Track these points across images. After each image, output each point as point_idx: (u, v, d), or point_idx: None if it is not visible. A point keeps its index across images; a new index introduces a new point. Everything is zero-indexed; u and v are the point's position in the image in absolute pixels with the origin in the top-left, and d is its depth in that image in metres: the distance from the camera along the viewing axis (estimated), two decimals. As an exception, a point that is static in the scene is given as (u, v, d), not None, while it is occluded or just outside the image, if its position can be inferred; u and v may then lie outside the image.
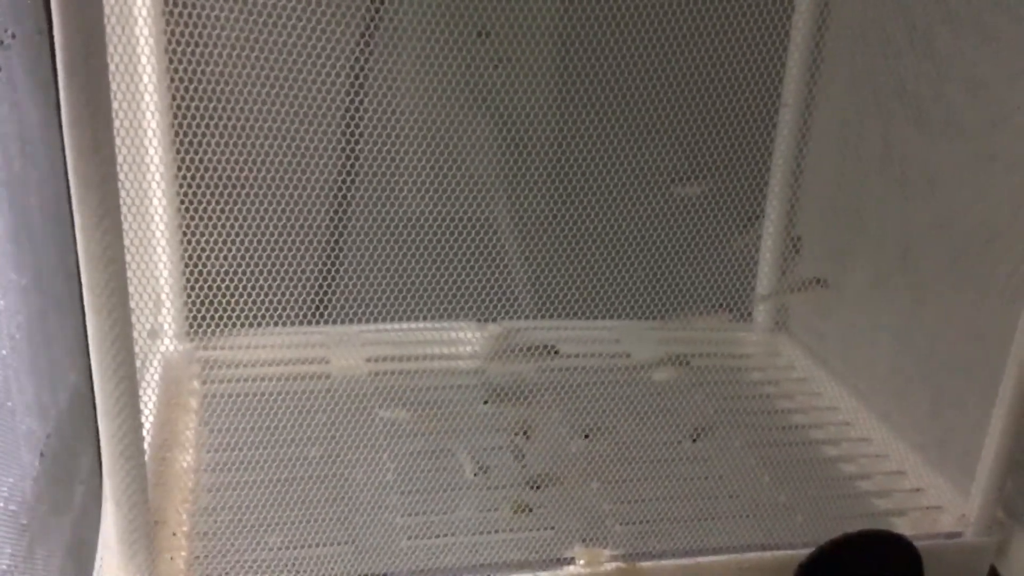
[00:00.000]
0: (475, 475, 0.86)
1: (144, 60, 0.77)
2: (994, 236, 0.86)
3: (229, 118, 0.78)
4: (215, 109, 0.78)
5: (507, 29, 0.85)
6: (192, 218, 0.80)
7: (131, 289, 0.65)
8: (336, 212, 0.98)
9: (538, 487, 0.86)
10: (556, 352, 0.96)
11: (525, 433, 0.91)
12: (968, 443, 0.86)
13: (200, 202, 0.79)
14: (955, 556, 0.87)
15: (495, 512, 0.84)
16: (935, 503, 0.91)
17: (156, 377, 0.92)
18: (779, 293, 1.06)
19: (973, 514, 0.86)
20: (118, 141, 0.62)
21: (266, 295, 0.81)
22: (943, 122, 0.91)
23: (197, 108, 0.77)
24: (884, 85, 0.97)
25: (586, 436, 0.91)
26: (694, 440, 0.95)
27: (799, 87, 0.99)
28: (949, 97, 0.90)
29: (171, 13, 0.74)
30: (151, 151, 0.78)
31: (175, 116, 0.79)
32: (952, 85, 0.89)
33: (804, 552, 0.81)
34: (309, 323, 0.98)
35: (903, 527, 0.85)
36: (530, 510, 0.85)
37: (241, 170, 0.81)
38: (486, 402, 0.88)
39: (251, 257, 0.81)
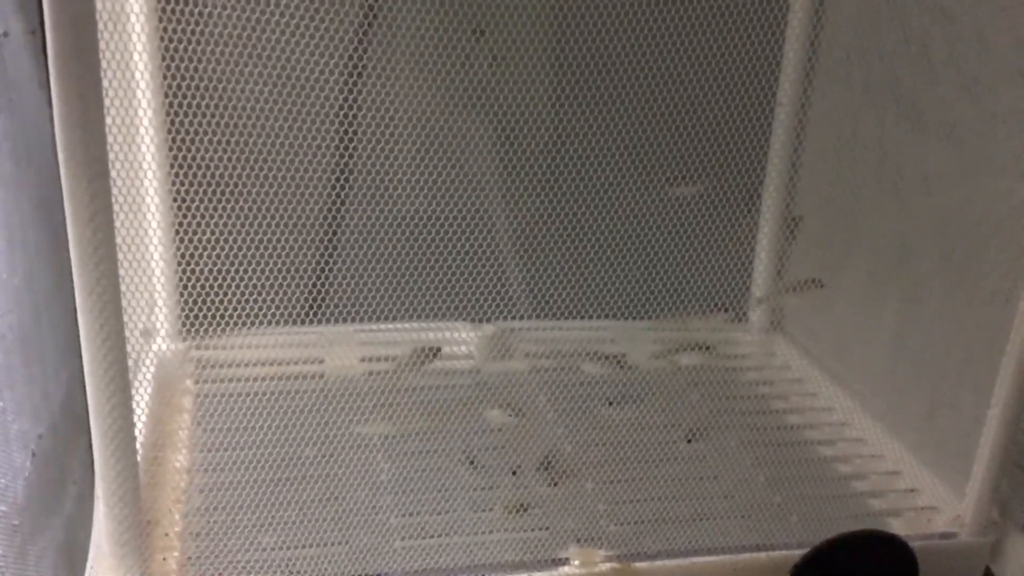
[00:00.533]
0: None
1: (137, 56, 0.76)
2: (989, 237, 0.86)
3: (223, 115, 0.78)
4: (209, 106, 0.77)
5: (503, 27, 0.85)
6: (186, 216, 0.80)
7: (124, 288, 0.65)
8: (331, 211, 0.97)
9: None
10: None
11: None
12: (963, 443, 0.86)
13: (194, 200, 0.79)
14: (950, 556, 0.87)
15: (490, 512, 0.84)
16: (930, 503, 0.91)
17: (149, 376, 0.92)
18: (775, 295, 1.06)
19: (968, 515, 0.86)
20: (110, 138, 0.62)
21: (260, 294, 0.81)
22: (938, 123, 0.91)
23: (191, 105, 0.77)
24: (879, 85, 0.97)
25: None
26: (689, 441, 0.95)
27: (795, 87, 0.99)
28: (944, 98, 0.90)
29: (164, 9, 0.74)
30: (144, 148, 0.78)
31: (168, 113, 0.78)
32: (947, 86, 0.89)
33: (799, 552, 0.81)
34: (303, 323, 0.97)
35: (898, 527, 0.85)
36: (525, 510, 0.84)
37: (235, 168, 0.80)
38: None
39: (245, 256, 0.81)
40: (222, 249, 0.80)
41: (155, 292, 0.92)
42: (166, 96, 0.78)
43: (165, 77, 0.77)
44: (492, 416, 0.91)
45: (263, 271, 0.82)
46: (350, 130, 0.85)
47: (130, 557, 0.70)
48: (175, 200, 0.83)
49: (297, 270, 0.92)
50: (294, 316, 0.95)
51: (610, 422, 0.94)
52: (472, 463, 0.89)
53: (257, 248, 0.82)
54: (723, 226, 0.94)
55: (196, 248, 0.79)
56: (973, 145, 0.87)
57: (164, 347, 0.95)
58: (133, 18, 0.73)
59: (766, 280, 1.07)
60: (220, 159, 0.79)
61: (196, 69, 0.77)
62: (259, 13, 0.77)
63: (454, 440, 0.91)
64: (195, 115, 0.77)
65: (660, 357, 0.99)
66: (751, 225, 1.03)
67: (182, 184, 0.79)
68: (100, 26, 0.59)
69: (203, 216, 0.79)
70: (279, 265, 0.85)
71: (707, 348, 1.00)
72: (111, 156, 0.62)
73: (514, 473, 0.86)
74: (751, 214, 1.03)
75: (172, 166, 0.83)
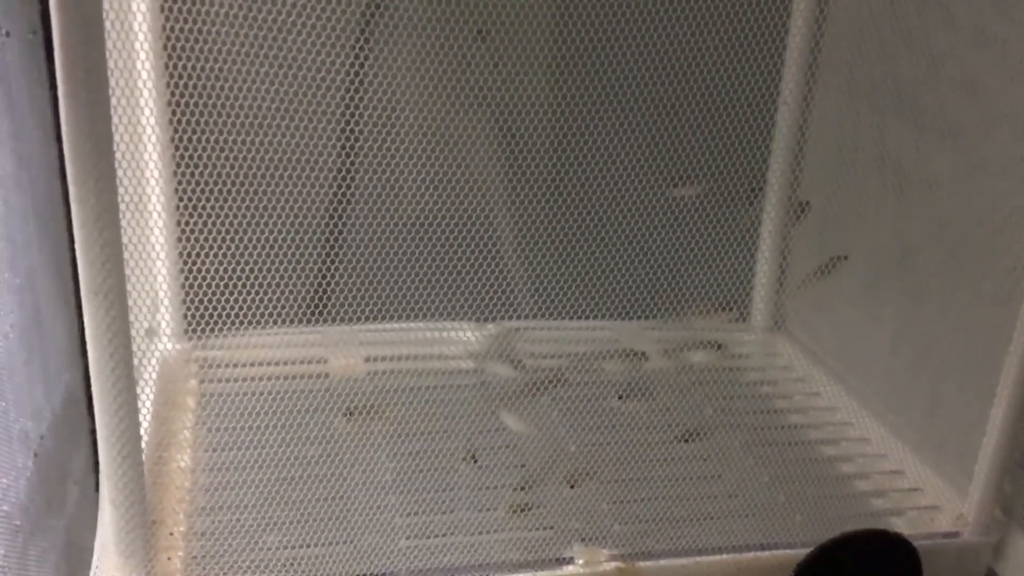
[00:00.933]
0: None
1: (143, 56, 0.76)
2: (990, 236, 0.86)
3: (227, 116, 0.78)
4: (213, 107, 0.77)
5: (505, 29, 0.85)
6: (190, 217, 0.80)
7: (128, 288, 0.65)
8: (334, 211, 0.97)
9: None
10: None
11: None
12: (966, 443, 0.86)
13: (198, 201, 0.79)
14: (953, 555, 0.87)
15: (494, 512, 0.84)
16: (933, 503, 0.91)
17: (153, 376, 0.92)
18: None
19: (971, 514, 0.87)
20: (116, 139, 0.62)
21: (264, 294, 0.81)
22: (940, 123, 0.91)
23: (195, 106, 0.77)
24: (881, 86, 0.97)
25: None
26: (685, 440, 0.95)
27: (798, 87, 0.99)
28: (945, 99, 0.90)
29: (169, 9, 0.74)
30: (149, 149, 0.78)
31: (173, 114, 0.78)
32: (948, 86, 0.89)
33: (803, 552, 0.81)
34: (307, 323, 0.97)
35: (901, 527, 0.86)
36: (529, 510, 0.84)
37: (239, 169, 0.80)
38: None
39: (249, 256, 0.81)
40: (226, 249, 0.80)
41: (159, 292, 0.91)
42: (171, 97, 0.78)
43: (170, 78, 0.77)
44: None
45: (267, 271, 0.82)
46: (353, 131, 0.85)
47: (135, 556, 0.70)
48: (180, 200, 0.83)
49: (301, 270, 0.92)
50: (298, 316, 0.95)
51: (612, 423, 0.94)
52: (475, 460, 0.89)
53: (261, 248, 0.82)
54: (726, 225, 0.94)
55: (200, 248, 0.79)
56: (974, 145, 0.88)
57: (168, 347, 0.95)
58: (140, 17, 0.73)
59: (769, 280, 1.07)
60: (224, 160, 0.79)
61: (200, 70, 0.77)
62: (263, 13, 0.77)
63: (458, 439, 0.91)
64: (199, 116, 0.77)
65: (670, 355, 0.99)
66: (754, 223, 1.03)
67: (186, 185, 0.79)
68: (107, 26, 0.59)
69: (207, 216, 0.79)
70: (283, 265, 0.84)
71: (718, 347, 1.00)
72: (117, 156, 0.62)
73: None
74: (753, 213, 1.03)
75: (177, 167, 0.83)
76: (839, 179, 1.04)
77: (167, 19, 0.75)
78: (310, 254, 0.97)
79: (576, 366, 1.00)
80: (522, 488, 0.87)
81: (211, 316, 0.79)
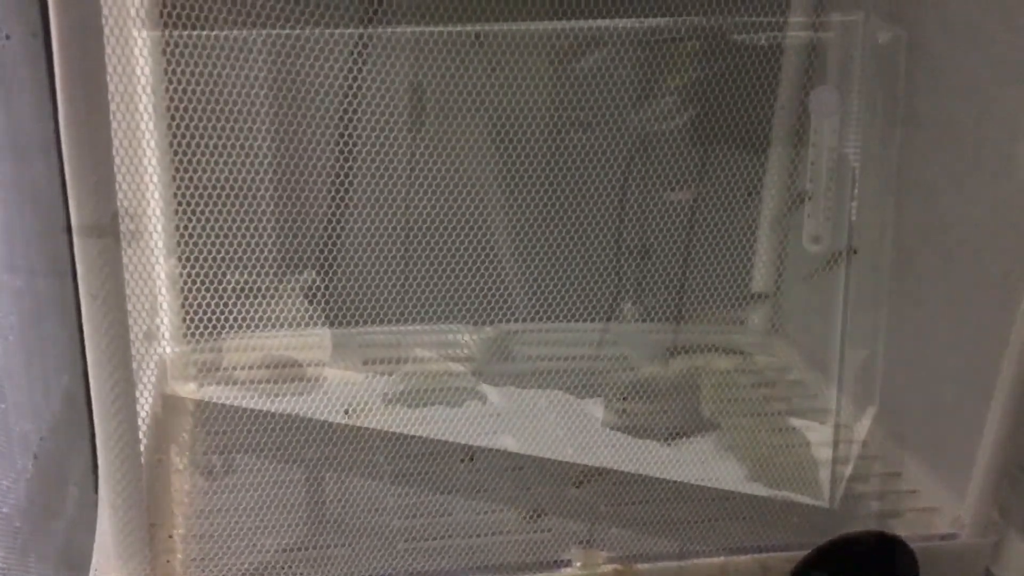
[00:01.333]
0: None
1: (141, 61, 0.76)
2: (988, 239, 0.86)
3: (226, 121, 0.78)
4: (211, 111, 0.78)
5: (502, 32, 0.85)
6: (189, 221, 0.80)
7: (127, 291, 0.65)
8: (332, 214, 0.98)
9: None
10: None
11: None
12: (963, 445, 0.86)
13: (196, 205, 0.79)
14: (950, 557, 0.87)
15: (492, 514, 0.84)
16: (930, 505, 0.91)
17: (152, 379, 0.92)
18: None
19: (968, 516, 0.87)
20: (115, 143, 0.62)
21: (262, 297, 0.81)
22: (936, 125, 0.91)
23: (194, 111, 0.77)
24: (880, 85, 0.97)
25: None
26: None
27: (796, 87, 1.00)
28: (942, 100, 0.90)
29: (168, 15, 0.74)
30: (148, 153, 0.78)
31: (171, 118, 0.78)
32: (948, 85, 0.90)
33: (800, 554, 0.82)
34: (305, 325, 0.97)
35: (898, 529, 0.86)
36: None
37: (237, 172, 0.80)
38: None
39: (247, 259, 0.81)
40: (224, 252, 0.80)
41: (158, 295, 0.92)
42: (170, 101, 0.78)
43: (169, 82, 0.77)
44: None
45: (264, 274, 0.82)
46: (351, 135, 0.86)
47: (134, 559, 0.71)
48: (178, 204, 0.84)
49: (299, 272, 0.93)
50: (296, 319, 0.95)
51: (611, 424, 0.94)
52: (472, 460, 0.89)
53: (259, 251, 0.82)
54: (723, 227, 0.94)
55: (199, 251, 0.80)
56: (971, 148, 0.88)
57: (167, 350, 0.95)
58: (138, 22, 0.73)
59: (767, 281, 1.07)
60: (223, 163, 0.79)
61: (199, 73, 0.77)
62: (261, 19, 0.78)
63: (455, 440, 0.91)
64: (198, 119, 0.77)
65: (669, 356, 0.99)
66: (751, 225, 1.03)
67: (185, 188, 0.79)
68: (106, 31, 0.59)
69: (206, 220, 0.79)
70: (281, 267, 0.85)
71: (717, 348, 1.00)
72: (116, 161, 0.62)
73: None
74: (751, 215, 1.03)
75: (175, 170, 0.83)
76: (838, 179, 1.04)
77: (166, 23, 0.75)
78: (308, 257, 0.97)
79: (565, 367, 1.00)
80: (520, 489, 0.87)
81: (210, 319, 0.79)
